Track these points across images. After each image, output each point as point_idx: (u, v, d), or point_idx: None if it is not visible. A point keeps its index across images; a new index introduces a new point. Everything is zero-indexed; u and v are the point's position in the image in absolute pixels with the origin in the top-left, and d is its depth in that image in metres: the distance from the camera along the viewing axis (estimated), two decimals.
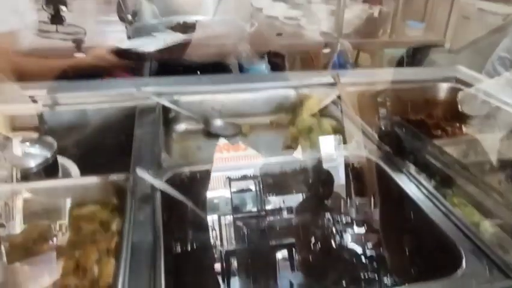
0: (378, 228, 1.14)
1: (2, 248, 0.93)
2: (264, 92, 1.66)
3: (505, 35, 2.81)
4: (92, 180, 1.10)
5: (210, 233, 1.08)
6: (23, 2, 1.92)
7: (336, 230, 1.14)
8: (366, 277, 1.07)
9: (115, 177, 1.09)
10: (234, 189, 1.10)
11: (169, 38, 2.26)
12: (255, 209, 1.11)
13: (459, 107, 1.74)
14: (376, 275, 1.07)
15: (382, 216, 1.15)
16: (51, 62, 1.98)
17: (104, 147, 1.49)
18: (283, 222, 1.17)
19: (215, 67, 2.21)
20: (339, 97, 1.59)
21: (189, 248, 1.07)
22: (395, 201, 1.14)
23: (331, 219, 1.16)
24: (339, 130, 1.43)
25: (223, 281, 1.04)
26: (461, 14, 4.40)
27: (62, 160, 1.30)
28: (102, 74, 2.02)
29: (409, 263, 1.07)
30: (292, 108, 1.64)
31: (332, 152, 1.18)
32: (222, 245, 1.07)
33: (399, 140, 1.22)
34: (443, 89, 1.79)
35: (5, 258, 0.92)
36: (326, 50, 3.15)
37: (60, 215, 1.07)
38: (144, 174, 1.03)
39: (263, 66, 2.42)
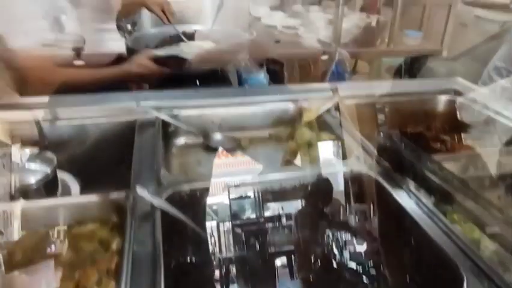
0: (378, 245, 1.14)
1: (0, 255, 0.93)
2: (263, 105, 1.66)
3: (502, 42, 2.82)
4: (92, 198, 1.09)
5: (209, 240, 1.07)
6: (63, 14, 1.98)
7: (336, 246, 1.14)
8: None
9: (114, 195, 1.09)
10: (232, 196, 1.10)
11: (205, 44, 2.40)
12: (253, 216, 1.10)
13: (457, 114, 1.75)
14: None
15: (381, 233, 1.15)
16: (94, 71, 1.97)
17: (104, 161, 1.48)
18: (282, 234, 1.17)
19: (214, 76, 2.21)
20: (338, 110, 1.59)
21: (190, 268, 1.07)
22: (394, 218, 1.13)
23: (330, 235, 1.16)
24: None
25: None
26: (459, 22, 4.42)
27: (61, 175, 1.30)
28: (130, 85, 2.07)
29: (409, 281, 1.07)
30: (291, 122, 1.64)
31: (331, 158, 1.19)
32: (220, 252, 1.07)
33: (398, 155, 1.22)
34: (442, 101, 1.79)
35: (2, 266, 0.92)
36: (324, 57, 3.15)
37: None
38: (144, 193, 1.03)
39: (262, 75, 2.43)
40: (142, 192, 1.03)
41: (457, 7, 4.46)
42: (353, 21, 3.28)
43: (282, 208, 1.18)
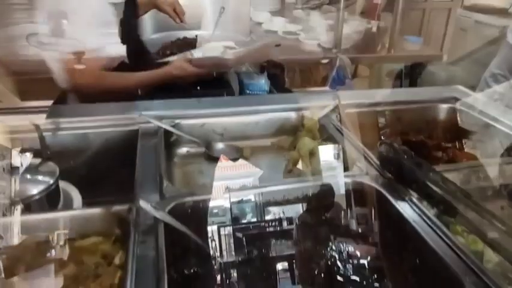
0: (380, 256, 1.14)
1: (0, 261, 0.93)
2: (266, 114, 1.66)
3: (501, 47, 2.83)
4: (94, 211, 1.09)
5: (210, 245, 1.07)
6: (108, 20, 1.99)
7: (338, 257, 1.14)
8: None
9: (117, 208, 1.09)
10: (233, 200, 1.10)
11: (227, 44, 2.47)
12: (254, 220, 1.10)
13: (458, 122, 1.75)
14: None
15: (384, 244, 1.15)
16: (137, 75, 1.99)
17: (106, 171, 1.49)
18: (283, 240, 1.16)
19: (214, 82, 2.22)
20: (339, 119, 1.59)
21: (193, 281, 1.06)
22: (397, 229, 1.13)
23: (332, 245, 1.15)
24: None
25: None
26: (458, 27, 4.43)
27: (64, 185, 1.30)
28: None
29: None
30: (293, 131, 1.65)
31: (333, 168, 1.18)
32: (222, 257, 1.06)
33: (400, 165, 1.22)
34: (443, 110, 1.79)
35: (2, 271, 0.92)
36: (325, 61, 3.15)
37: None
38: (147, 206, 1.03)
39: (263, 81, 2.43)
40: (145, 205, 1.03)
41: (456, 12, 4.47)
42: (353, 27, 3.27)
43: (283, 212, 1.18)
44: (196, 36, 2.56)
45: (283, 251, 1.11)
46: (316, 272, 1.11)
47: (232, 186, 1.11)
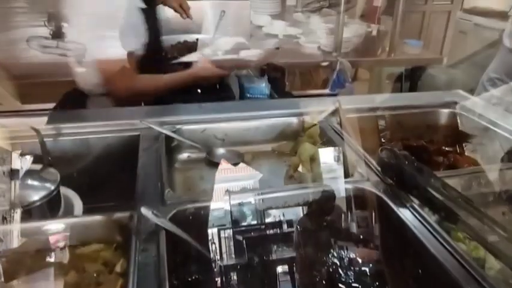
0: (381, 262, 1.13)
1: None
2: (266, 119, 1.66)
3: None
4: (96, 218, 1.09)
5: (210, 247, 1.06)
6: (138, 24, 1.99)
7: (339, 262, 1.14)
8: None
9: (118, 215, 1.09)
10: (233, 203, 1.09)
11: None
12: (254, 223, 1.10)
13: (458, 126, 1.75)
14: None
15: (385, 251, 1.14)
16: (166, 77, 2.03)
17: (107, 177, 1.49)
18: (283, 244, 1.16)
19: (215, 85, 2.22)
20: (340, 124, 1.59)
21: None
22: (398, 236, 1.13)
23: (333, 251, 1.15)
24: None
25: None
26: (458, 29, 4.43)
27: (64, 191, 1.30)
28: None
29: None
30: (294, 136, 1.65)
31: (334, 173, 1.18)
32: (222, 260, 1.06)
33: (401, 171, 1.21)
34: (444, 115, 1.79)
35: (2, 275, 0.92)
36: (325, 64, 3.16)
37: None
38: (148, 213, 1.03)
39: (263, 84, 2.43)
40: (146, 212, 1.03)
41: (456, 15, 4.47)
42: (353, 30, 3.28)
43: (284, 215, 1.18)
44: (197, 39, 2.56)
45: (283, 254, 1.10)
46: (317, 279, 1.11)
47: (232, 189, 1.11)
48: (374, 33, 3.58)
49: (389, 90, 3.70)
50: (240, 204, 1.08)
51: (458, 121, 1.76)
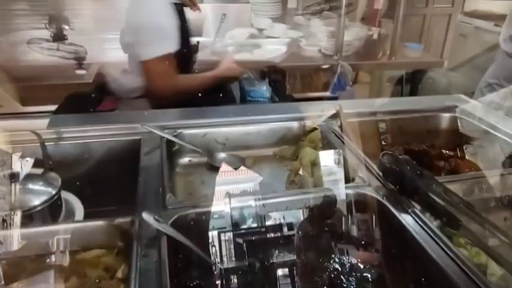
0: (383, 268, 1.13)
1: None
2: (267, 124, 1.66)
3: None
4: (97, 224, 1.09)
5: (210, 250, 1.06)
6: (176, 24, 2.03)
7: (340, 268, 1.14)
8: None
9: (120, 220, 1.09)
10: (233, 205, 1.09)
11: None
12: (254, 225, 1.09)
13: (459, 131, 1.75)
14: None
15: (386, 256, 1.14)
16: (198, 76, 2.17)
17: (108, 181, 1.49)
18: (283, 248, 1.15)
19: (216, 89, 2.23)
20: (340, 127, 1.59)
21: None
22: (399, 241, 1.13)
23: (335, 257, 1.15)
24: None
25: None
26: (459, 33, 4.43)
27: (66, 195, 1.30)
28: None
29: None
30: (296, 140, 1.65)
31: (335, 178, 1.18)
32: (222, 263, 1.05)
33: (403, 176, 1.21)
34: (445, 119, 1.79)
35: (2, 277, 0.92)
36: (325, 66, 3.16)
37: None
38: (149, 219, 1.02)
39: (264, 87, 2.43)
40: (147, 217, 1.02)
41: (456, 18, 4.47)
42: (354, 34, 3.28)
43: (284, 218, 1.17)
44: (198, 42, 2.56)
45: (283, 257, 1.10)
46: (318, 284, 1.11)
47: (232, 192, 1.11)
48: (375, 36, 3.58)
49: (389, 94, 3.70)
50: (241, 207, 1.08)
51: (459, 125, 1.76)
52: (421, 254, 1.05)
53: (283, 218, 1.15)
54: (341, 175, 1.18)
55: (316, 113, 1.68)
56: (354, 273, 1.12)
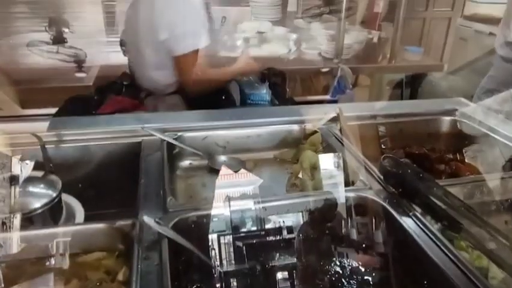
0: (384, 271, 1.13)
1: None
2: (268, 127, 1.66)
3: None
4: (98, 226, 1.09)
5: (210, 253, 1.06)
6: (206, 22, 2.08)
7: (341, 271, 1.13)
8: None
9: (121, 223, 1.08)
10: (233, 209, 1.09)
11: None
12: (254, 229, 1.09)
13: (460, 134, 1.75)
14: None
15: (387, 260, 1.14)
16: (223, 70, 2.27)
17: (109, 183, 1.49)
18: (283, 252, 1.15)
19: (217, 92, 2.24)
20: (341, 131, 1.59)
21: None
22: (400, 244, 1.13)
23: (335, 260, 1.15)
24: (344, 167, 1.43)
25: None
26: (459, 36, 4.44)
27: (66, 198, 1.30)
28: None
29: None
30: (296, 143, 1.65)
31: (336, 181, 1.18)
32: (222, 266, 1.05)
33: (404, 180, 1.21)
34: (445, 122, 1.79)
35: (2, 280, 0.91)
36: (326, 69, 3.17)
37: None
38: (150, 221, 1.02)
39: (264, 91, 2.44)
40: (148, 220, 1.02)
41: (456, 21, 4.48)
42: (354, 37, 3.29)
43: (283, 221, 1.17)
44: None
45: (283, 260, 1.10)
46: (319, 287, 1.11)
47: (232, 195, 1.10)
48: (375, 39, 3.59)
49: (389, 97, 3.71)
50: (240, 211, 1.08)
51: (459, 128, 1.76)
52: (422, 257, 1.05)
53: (283, 221, 1.15)
54: (340, 178, 1.18)
55: (316, 116, 1.68)
56: (355, 276, 1.12)
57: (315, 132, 1.62)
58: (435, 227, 1.11)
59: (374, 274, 1.13)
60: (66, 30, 3.20)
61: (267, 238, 1.08)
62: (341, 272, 1.12)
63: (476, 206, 1.14)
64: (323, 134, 1.61)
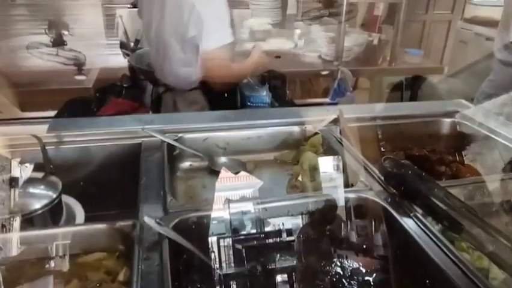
0: (385, 272, 1.13)
1: None
2: (268, 128, 1.66)
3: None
4: (98, 227, 1.09)
5: (211, 256, 1.06)
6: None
7: (341, 272, 1.13)
8: None
9: (121, 223, 1.08)
10: (233, 211, 1.09)
11: None
12: (254, 231, 1.09)
13: (460, 135, 1.75)
14: None
15: (388, 261, 1.14)
16: (241, 65, 2.27)
17: (109, 184, 1.48)
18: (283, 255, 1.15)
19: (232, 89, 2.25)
20: (342, 133, 1.59)
21: None
22: (401, 245, 1.13)
23: (336, 261, 1.15)
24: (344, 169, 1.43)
25: None
26: (459, 39, 4.45)
27: (66, 199, 1.30)
28: None
29: None
30: (296, 144, 1.65)
31: (336, 183, 1.18)
32: (221, 269, 1.05)
33: (405, 181, 1.21)
34: (446, 124, 1.79)
35: (2, 283, 0.91)
36: (325, 72, 3.17)
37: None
38: (151, 222, 1.02)
39: (264, 93, 2.44)
40: (149, 221, 1.02)
41: (456, 24, 4.49)
42: (354, 39, 3.29)
43: (283, 224, 1.17)
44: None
45: (282, 263, 1.09)
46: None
47: (232, 198, 1.10)
48: (375, 42, 3.60)
49: (389, 99, 3.71)
50: (240, 213, 1.08)
51: (460, 130, 1.76)
52: (423, 258, 1.05)
53: (283, 224, 1.15)
54: (340, 181, 1.18)
55: (317, 118, 1.68)
56: (356, 277, 1.12)
57: (315, 133, 1.63)
58: (436, 228, 1.11)
59: (374, 275, 1.12)
60: (66, 32, 3.21)
61: (267, 240, 1.08)
62: (341, 273, 1.12)
63: (476, 207, 1.14)
64: (323, 136, 1.61)
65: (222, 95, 2.23)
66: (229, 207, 1.06)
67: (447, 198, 1.13)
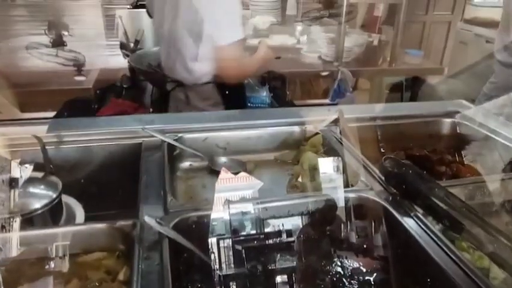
0: (385, 272, 1.13)
1: None
2: (268, 128, 1.66)
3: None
4: (98, 226, 1.08)
5: (211, 257, 1.05)
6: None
7: (342, 272, 1.13)
8: None
9: (121, 223, 1.08)
10: (233, 212, 1.08)
11: None
12: (254, 232, 1.09)
13: (460, 135, 1.75)
14: None
15: (389, 261, 1.14)
16: (252, 60, 2.31)
17: (109, 184, 1.48)
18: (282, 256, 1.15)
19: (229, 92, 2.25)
20: (342, 133, 1.59)
21: None
22: (402, 245, 1.13)
23: (336, 261, 1.15)
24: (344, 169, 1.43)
25: None
26: (459, 40, 4.45)
27: (66, 199, 1.29)
28: None
29: None
30: (297, 145, 1.65)
31: (337, 183, 1.18)
32: (220, 269, 1.05)
33: (406, 181, 1.21)
34: (446, 124, 1.79)
35: (1, 283, 0.91)
36: (325, 73, 3.17)
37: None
38: (151, 221, 1.02)
39: (264, 94, 2.44)
40: (149, 220, 1.02)
41: (456, 25, 4.49)
42: (354, 40, 3.29)
43: (283, 224, 1.17)
44: None
45: (282, 263, 1.09)
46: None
47: (232, 198, 1.10)
48: (375, 43, 3.60)
49: (389, 100, 3.71)
50: (240, 214, 1.08)
51: (460, 130, 1.76)
52: (424, 258, 1.05)
53: (283, 224, 1.15)
54: (340, 182, 1.18)
55: (317, 118, 1.68)
56: (356, 277, 1.12)
57: (316, 134, 1.62)
58: (436, 228, 1.11)
59: (375, 275, 1.12)
60: (65, 33, 3.21)
61: (267, 241, 1.08)
62: (342, 273, 1.12)
63: (477, 207, 1.14)
64: (323, 136, 1.61)
65: (234, 90, 2.23)
66: (229, 208, 1.06)
67: (448, 198, 1.13)
